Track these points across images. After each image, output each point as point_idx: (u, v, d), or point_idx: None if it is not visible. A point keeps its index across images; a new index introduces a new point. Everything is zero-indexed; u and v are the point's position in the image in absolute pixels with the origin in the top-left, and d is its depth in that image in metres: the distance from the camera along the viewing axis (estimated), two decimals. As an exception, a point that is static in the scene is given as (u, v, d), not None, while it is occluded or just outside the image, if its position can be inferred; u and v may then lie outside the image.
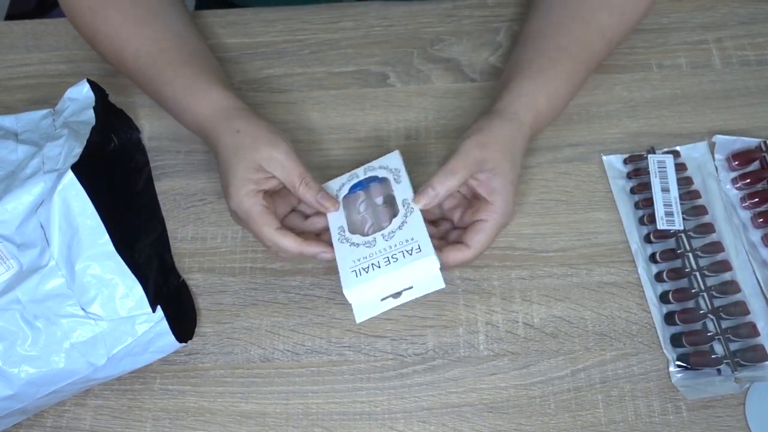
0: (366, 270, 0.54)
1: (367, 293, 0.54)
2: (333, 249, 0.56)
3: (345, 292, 0.54)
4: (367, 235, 0.56)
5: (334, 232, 0.58)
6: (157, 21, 0.65)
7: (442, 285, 0.53)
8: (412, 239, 0.54)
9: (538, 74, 0.61)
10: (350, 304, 0.54)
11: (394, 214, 0.57)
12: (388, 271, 0.53)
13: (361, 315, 0.54)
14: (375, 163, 0.61)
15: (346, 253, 0.56)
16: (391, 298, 0.54)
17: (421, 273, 0.53)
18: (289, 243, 0.56)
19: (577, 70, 0.63)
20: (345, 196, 0.60)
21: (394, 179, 0.59)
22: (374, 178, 0.60)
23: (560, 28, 0.64)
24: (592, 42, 0.63)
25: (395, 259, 0.54)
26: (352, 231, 0.57)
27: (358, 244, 0.56)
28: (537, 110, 0.60)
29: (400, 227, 0.55)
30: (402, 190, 0.58)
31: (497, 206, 0.56)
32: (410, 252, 0.54)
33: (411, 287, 0.54)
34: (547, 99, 0.61)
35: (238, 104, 0.61)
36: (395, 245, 0.54)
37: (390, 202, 0.58)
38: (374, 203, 0.59)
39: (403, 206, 0.57)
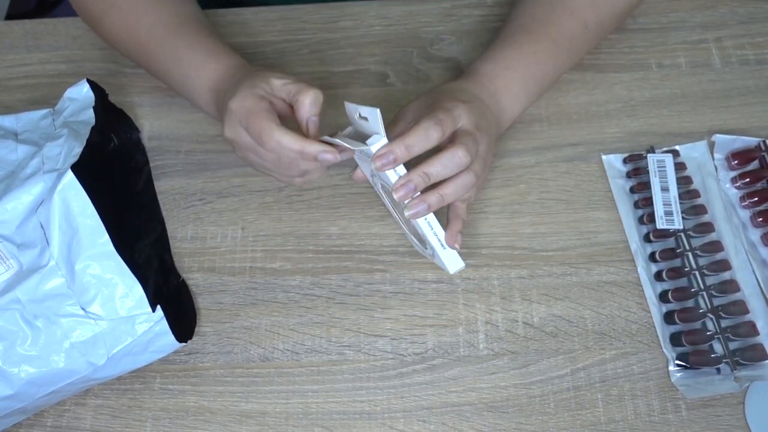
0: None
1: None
2: (336, 150, 0.53)
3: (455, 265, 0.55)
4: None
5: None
6: (168, 4, 0.65)
7: None
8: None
9: (486, 51, 0.63)
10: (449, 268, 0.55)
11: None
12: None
13: (459, 263, 0.55)
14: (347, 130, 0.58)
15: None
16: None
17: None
18: (290, 140, 0.53)
19: (535, 41, 0.63)
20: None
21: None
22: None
23: (524, 11, 0.65)
24: (557, 19, 0.64)
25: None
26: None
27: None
28: (481, 72, 0.61)
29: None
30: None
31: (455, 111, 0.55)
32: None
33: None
34: (492, 63, 0.62)
35: (248, 65, 0.62)
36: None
37: None
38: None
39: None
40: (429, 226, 0.55)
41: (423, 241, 0.57)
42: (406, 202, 0.53)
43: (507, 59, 0.62)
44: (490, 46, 0.65)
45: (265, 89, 0.56)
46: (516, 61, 0.62)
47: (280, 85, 0.56)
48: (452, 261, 0.55)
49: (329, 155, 0.53)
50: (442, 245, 0.55)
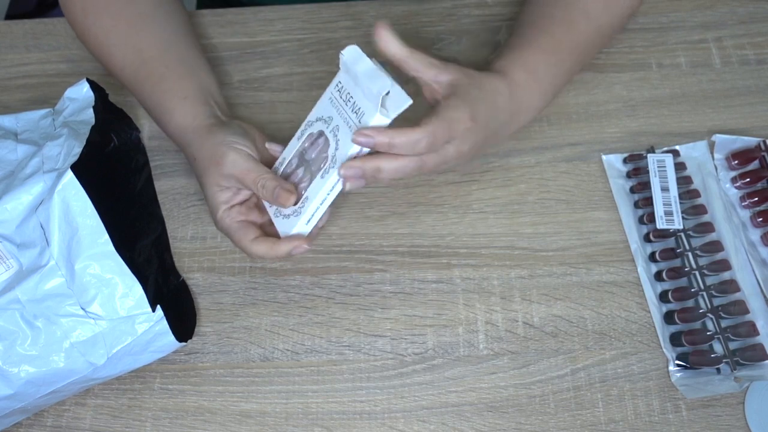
0: (359, 108, 0.52)
1: (387, 84, 0.51)
2: (304, 240, 0.55)
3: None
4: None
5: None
6: (146, 26, 0.65)
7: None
8: (332, 92, 0.55)
9: (513, 52, 0.61)
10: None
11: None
12: (357, 87, 0.52)
13: (402, 97, 0.52)
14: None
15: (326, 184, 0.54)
16: None
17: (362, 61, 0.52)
18: (262, 250, 0.56)
19: (558, 49, 0.62)
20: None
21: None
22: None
23: (543, 12, 0.64)
24: (575, 23, 0.63)
25: (348, 93, 0.53)
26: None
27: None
28: (511, 79, 0.59)
29: (327, 120, 0.55)
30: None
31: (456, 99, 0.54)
32: (340, 86, 0.54)
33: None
34: (523, 71, 0.60)
35: (197, 123, 0.60)
36: (338, 105, 0.54)
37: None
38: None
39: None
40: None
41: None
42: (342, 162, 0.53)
43: (536, 70, 0.61)
44: (517, 45, 0.62)
45: (224, 197, 0.58)
46: (543, 73, 0.61)
47: (233, 176, 0.57)
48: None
49: (300, 249, 0.56)
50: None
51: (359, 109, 0.52)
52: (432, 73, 0.55)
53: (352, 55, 0.53)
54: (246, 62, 0.74)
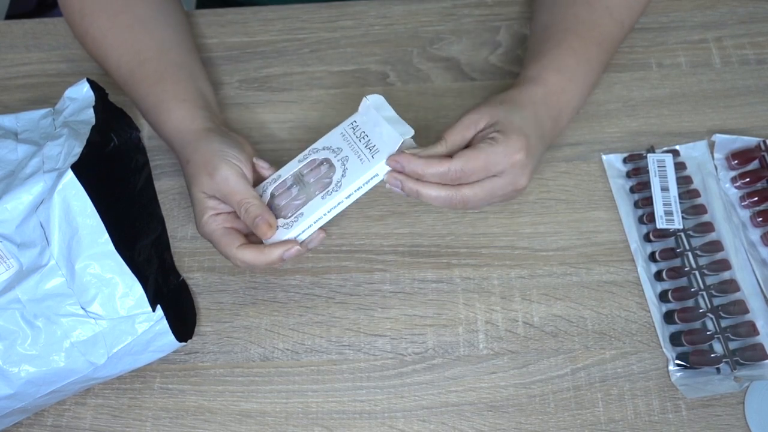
0: (374, 146, 0.56)
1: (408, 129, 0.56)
2: (295, 242, 0.56)
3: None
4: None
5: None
6: (144, 28, 0.65)
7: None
8: (345, 129, 0.58)
9: (543, 56, 0.61)
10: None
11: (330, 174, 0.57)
12: (376, 128, 0.56)
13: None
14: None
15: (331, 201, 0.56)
16: None
17: (382, 105, 0.57)
18: (251, 257, 0.55)
19: (587, 48, 0.62)
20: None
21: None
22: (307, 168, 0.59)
23: (566, 13, 0.64)
24: (599, 21, 0.63)
25: (363, 132, 0.57)
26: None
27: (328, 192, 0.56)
28: (546, 84, 0.59)
29: (336, 150, 0.57)
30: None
31: (503, 139, 0.54)
32: (357, 124, 0.58)
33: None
34: (556, 73, 0.60)
35: (195, 126, 0.60)
36: (350, 140, 0.57)
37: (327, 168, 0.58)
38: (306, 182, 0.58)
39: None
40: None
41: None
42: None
43: (569, 70, 0.61)
44: (542, 47, 0.62)
45: (211, 204, 0.58)
46: (576, 72, 0.61)
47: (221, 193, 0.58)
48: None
49: (292, 252, 0.55)
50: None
51: (374, 146, 0.56)
52: (473, 130, 0.56)
53: (376, 101, 0.57)
54: (246, 62, 0.74)
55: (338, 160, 0.57)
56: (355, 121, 0.58)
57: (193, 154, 0.59)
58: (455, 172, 0.54)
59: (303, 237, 0.56)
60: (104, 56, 0.65)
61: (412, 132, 0.55)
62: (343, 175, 0.56)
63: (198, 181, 0.57)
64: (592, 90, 0.64)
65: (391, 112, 0.57)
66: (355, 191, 0.56)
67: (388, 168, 0.55)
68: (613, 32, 0.64)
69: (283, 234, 0.56)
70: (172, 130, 0.61)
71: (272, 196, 0.59)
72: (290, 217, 0.56)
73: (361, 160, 0.56)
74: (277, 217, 0.57)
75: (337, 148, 0.58)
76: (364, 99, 0.57)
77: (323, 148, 0.58)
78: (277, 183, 0.59)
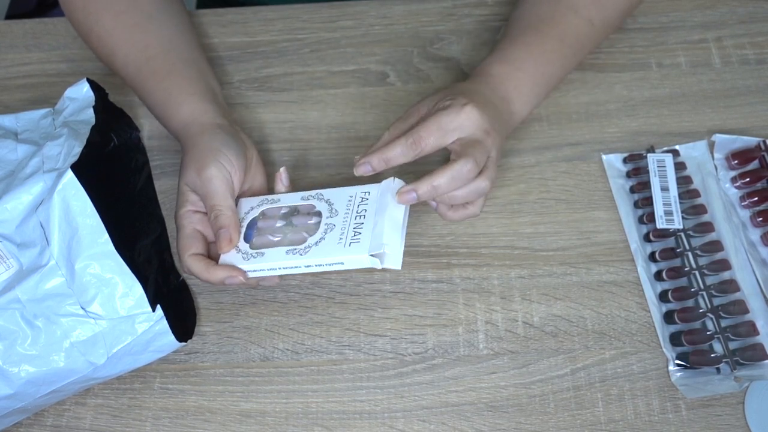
0: (358, 233, 0.53)
1: (393, 243, 0.53)
2: (242, 273, 0.55)
3: (374, 253, 0.52)
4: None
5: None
6: (149, 26, 0.65)
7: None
8: (356, 194, 0.56)
9: (495, 51, 0.63)
10: (381, 264, 0.53)
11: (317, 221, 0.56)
12: (377, 216, 0.54)
13: (396, 260, 0.53)
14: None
15: (319, 251, 0.54)
16: (399, 229, 0.54)
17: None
18: (197, 268, 0.56)
19: (543, 41, 0.63)
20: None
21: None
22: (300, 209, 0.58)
23: (529, 11, 0.65)
24: (562, 18, 0.64)
25: (365, 210, 0.55)
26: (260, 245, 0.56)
27: (304, 247, 0.55)
28: (489, 74, 0.61)
29: (332, 212, 0.56)
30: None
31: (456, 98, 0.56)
32: (367, 198, 0.55)
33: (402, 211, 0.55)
34: (502, 64, 0.61)
35: (205, 119, 0.60)
36: (350, 209, 0.55)
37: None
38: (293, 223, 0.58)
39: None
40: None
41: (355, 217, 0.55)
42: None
43: (517, 60, 0.62)
44: (498, 45, 0.64)
45: (192, 198, 0.58)
46: (526, 62, 0.62)
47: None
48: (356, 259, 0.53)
49: (235, 280, 0.55)
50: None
51: (359, 233, 0.54)
52: (415, 116, 0.58)
53: (397, 189, 0.55)
54: (246, 62, 0.74)
55: (325, 224, 0.55)
56: (368, 192, 0.56)
57: (192, 146, 0.59)
58: (412, 135, 0.54)
59: (255, 275, 0.56)
60: (110, 54, 0.65)
61: (396, 245, 0.53)
62: (316, 243, 0.54)
63: (186, 173, 0.58)
64: (553, 82, 0.64)
65: (400, 214, 0.55)
66: (316, 266, 0.54)
67: (358, 265, 0.53)
68: (579, 29, 0.64)
69: (237, 260, 0.56)
70: (179, 123, 0.61)
71: (262, 215, 0.58)
72: (253, 249, 0.56)
73: (339, 239, 0.54)
74: (247, 240, 0.56)
75: (335, 210, 0.56)
76: (391, 180, 0.56)
77: (326, 201, 0.57)
78: (273, 206, 0.58)
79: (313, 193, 0.58)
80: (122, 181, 0.64)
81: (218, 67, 0.74)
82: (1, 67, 0.75)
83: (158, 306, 0.55)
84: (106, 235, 0.54)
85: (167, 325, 0.56)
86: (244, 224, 0.58)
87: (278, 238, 0.56)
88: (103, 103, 0.63)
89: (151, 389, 0.59)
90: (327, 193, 0.58)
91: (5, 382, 0.53)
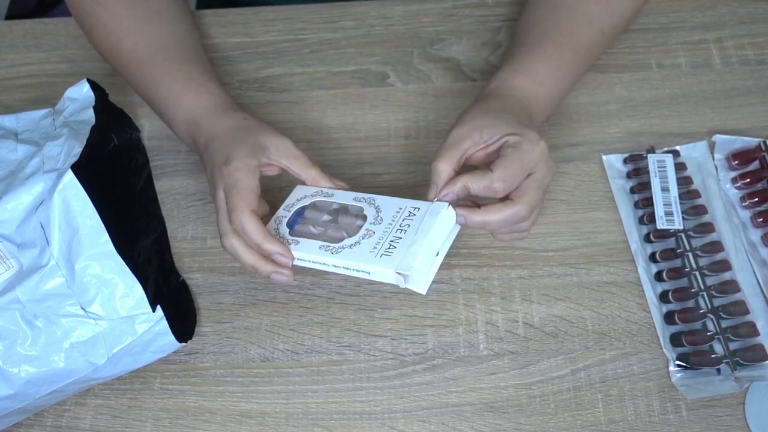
0: (393, 247, 0.52)
1: (423, 267, 0.52)
2: (292, 256, 0.54)
3: (400, 271, 0.50)
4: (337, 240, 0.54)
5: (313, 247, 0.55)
6: (160, 20, 0.66)
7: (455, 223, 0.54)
8: (406, 207, 0.54)
9: (515, 60, 0.62)
10: (406, 286, 0.51)
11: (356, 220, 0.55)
12: (417, 235, 0.52)
13: (423, 285, 0.52)
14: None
15: (352, 255, 0.53)
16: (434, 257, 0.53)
17: (445, 221, 0.53)
18: (253, 229, 0.53)
19: (562, 54, 0.62)
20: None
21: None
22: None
23: (544, 17, 0.64)
24: (578, 28, 0.63)
25: (408, 226, 0.53)
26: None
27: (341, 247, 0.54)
28: (514, 88, 0.60)
29: (377, 219, 0.55)
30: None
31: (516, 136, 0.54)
32: (414, 213, 0.53)
33: (442, 240, 0.53)
34: (526, 77, 0.60)
35: (228, 99, 0.63)
36: (394, 220, 0.54)
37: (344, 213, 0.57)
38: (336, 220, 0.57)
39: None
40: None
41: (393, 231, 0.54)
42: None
43: (538, 74, 0.61)
44: (515, 52, 0.63)
45: (261, 158, 0.56)
46: (546, 76, 0.61)
47: (277, 160, 0.57)
48: (384, 273, 0.51)
49: (283, 258, 0.53)
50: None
51: (394, 247, 0.52)
52: (468, 142, 0.55)
53: (447, 218, 0.53)
54: (246, 62, 0.74)
55: (365, 229, 0.54)
56: (418, 209, 0.54)
57: (252, 116, 0.60)
58: (498, 180, 0.52)
59: (296, 261, 0.55)
60: (117, 41, 0.65)
61: (409, 272, 0.50)
62: (350, 246, 0.53)
63: (265, 132, 0.58)
64: (564, 95, 0.64)
65: (439, 239, 0.53)
66: (343, 268, 0.53)
67: (383, 279, 0.51)
68: (591, 40, 0.64)
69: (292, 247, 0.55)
70: (210, 99, 0.61)
71: (313, 205, 0.58)
72: (292, 236, 0.56)
73: (374, 247, 0.52)
74: (290, 227, 0.57)
75: (380, 218, 0.54)
76: (444, 206, 0.53)
77: (375, 207, 0.56)
78: (325, 200, 0.58)
79: (366, 195, 0.57)
80: (122, 181, 0.64)
81: (218, 68, 0.74)
82: (1, 67, 0.76)
83: (158, 306, 0.55)
84: (106, 236, 0.54)
85: (167, 326, 0.56)
86: (293, 210, 0.58)
87: (319, 231, 0.56)
88: (103, 104, 0.63)
89: (151, 390, 0.59)
90: (379, 199, 0.56)
91: (5, 382, 0.53)
